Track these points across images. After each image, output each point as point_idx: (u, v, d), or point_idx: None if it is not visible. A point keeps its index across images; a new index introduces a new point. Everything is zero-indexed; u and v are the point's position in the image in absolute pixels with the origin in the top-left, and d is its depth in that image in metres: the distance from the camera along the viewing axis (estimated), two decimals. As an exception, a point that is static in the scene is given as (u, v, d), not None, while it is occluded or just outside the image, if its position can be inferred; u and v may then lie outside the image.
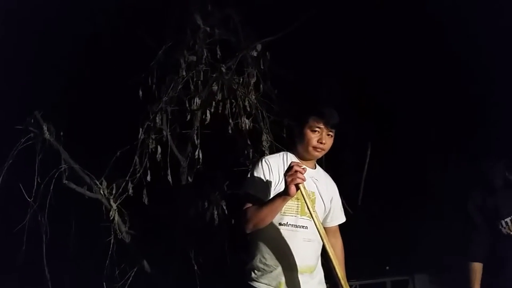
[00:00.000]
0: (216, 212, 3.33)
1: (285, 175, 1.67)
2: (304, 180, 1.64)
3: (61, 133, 3.08)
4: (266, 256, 1.88)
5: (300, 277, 1.87)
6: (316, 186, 1.97)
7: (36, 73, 3.36)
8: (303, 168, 1.65)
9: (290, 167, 1.66)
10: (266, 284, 1.87)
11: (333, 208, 2.05)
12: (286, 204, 1.75)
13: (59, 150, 3.05)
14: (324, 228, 1.83)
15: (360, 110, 4.09)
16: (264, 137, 3.29)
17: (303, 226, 1.88)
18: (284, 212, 1.85)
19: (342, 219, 2.14)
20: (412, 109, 4.25)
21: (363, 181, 3.97)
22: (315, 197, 1.94)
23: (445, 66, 4.07)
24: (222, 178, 3.41)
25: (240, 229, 1.85)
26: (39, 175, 3.00)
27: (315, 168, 2.04)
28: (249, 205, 1.83)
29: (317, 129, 1.90)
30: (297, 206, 1.88)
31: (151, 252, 3.29)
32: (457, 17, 3.58)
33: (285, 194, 1.66)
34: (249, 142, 3.31)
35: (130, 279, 3.11)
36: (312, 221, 1.76)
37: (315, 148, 1.92)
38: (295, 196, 1.70)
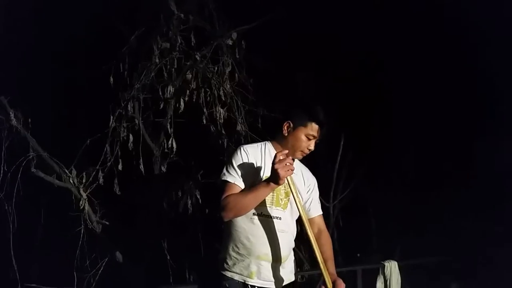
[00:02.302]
0: (190, 202, 3.32)
1: (274, 164, 1.70)
2: (293, 170, 1.72)
3: (29, 120, 2.97)
4: (239, 246, 1.88)
5: (271, 266, 1.88)
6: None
7: (1, 57, 3.23)
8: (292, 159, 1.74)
9: (282, 159, 1.70)
10: (238, 273, 1.88)
11: (310, 200, 2.04)
12: None
13: (26, 137, 2.95)
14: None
15: (335, 101, 4.10)
16: (239, 127, 3.28)
17: (277, 217, 1.89)
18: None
19: (318, 211, 2.08)
20: (388, 100, 4.29)
21: (336, 172, 4.00)
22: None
23: (425, 54, 4.11)
24: (196, 167, 3.39)
25: (219, 217, 1.85)
26: (6, 163, 2.91)
27: (293, 161, 2.05)
28: (229, 193, 1.83)
29: (311, 137, 1.93)
30: (272, 197, 1.89)
31: (123, 242, 3.25)
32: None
33: (273, 183, 1.72)
34: (223, 132, 3.29)
35: (101, 269, 3.06)
36: (286, 211, 1.87)
37: (302, 152, 1.95)
38: None
